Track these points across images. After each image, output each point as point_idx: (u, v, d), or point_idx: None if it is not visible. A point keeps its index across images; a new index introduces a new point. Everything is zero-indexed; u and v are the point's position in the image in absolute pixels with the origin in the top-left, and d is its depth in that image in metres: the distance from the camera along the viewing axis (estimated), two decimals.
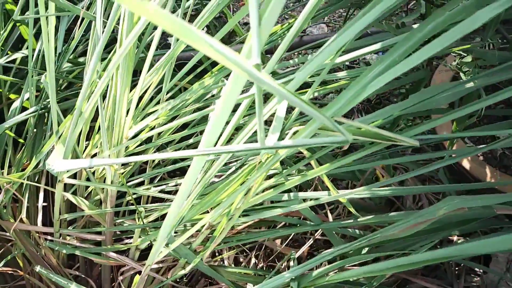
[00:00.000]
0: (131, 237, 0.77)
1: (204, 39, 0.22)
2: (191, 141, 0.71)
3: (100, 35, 0.61)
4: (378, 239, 0.50)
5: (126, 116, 0.55)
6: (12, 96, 0.85)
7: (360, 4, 0.79)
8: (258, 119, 0.35)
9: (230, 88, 0.37)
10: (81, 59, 0.88)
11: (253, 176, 0.46)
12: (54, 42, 0.84)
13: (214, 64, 0.84)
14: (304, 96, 0.46)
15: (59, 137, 0.61)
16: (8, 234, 0.71)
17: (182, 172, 0.98)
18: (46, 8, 0.53)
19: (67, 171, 0.60)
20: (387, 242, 0.63)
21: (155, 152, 0.75)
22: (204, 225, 0.57)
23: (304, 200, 0.58)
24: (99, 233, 0.71)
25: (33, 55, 0.86)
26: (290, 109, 0.94)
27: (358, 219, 0.58)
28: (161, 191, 0.77)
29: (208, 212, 0.56)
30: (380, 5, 0.34)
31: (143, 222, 0.62)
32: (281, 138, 0.47)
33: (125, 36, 0.46)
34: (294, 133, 0.43)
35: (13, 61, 0.87)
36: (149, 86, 0.61)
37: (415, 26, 0.66)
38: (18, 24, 0.83)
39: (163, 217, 0.68)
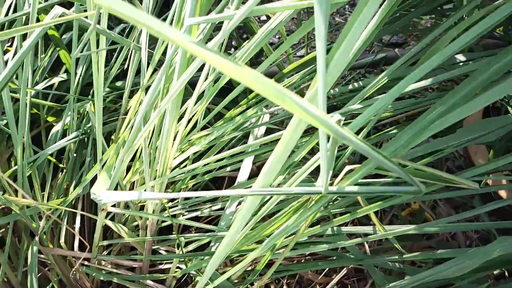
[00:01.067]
0: (166, 263, 0.76)
1: (300, 104, 0.22)
2: (228, 169, 0.71)
3: (145, 65, 0.62)
4: (429, 279, 0.49)
5: (172, 146, 0.56)
6: (50, 118, 0.87)
7: (406, 30, 0.79)
8: (323, 164, 0.35)
9: (291, 133, 0.36)
10: (118, 83, 0.90)
11: (304, 214, 0.45)
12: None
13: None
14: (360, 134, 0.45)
15: (103, 166, 0.61)
16: (44, 257, 0.72)
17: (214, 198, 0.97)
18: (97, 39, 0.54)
19: None
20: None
21: (191, 179, 0.75)
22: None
23: (347, 233, 0.57)
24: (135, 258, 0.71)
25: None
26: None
27: (404, 255, 0.56)
28: (195, 218, 0.77)
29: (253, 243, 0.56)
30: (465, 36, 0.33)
31: (183, 252, 0.62)
32: (332, 176, 0.47)
33: (177, 76, 0.46)
34: (347, 172, 0.43)
35: (51, 84, 0.89)
36: (193, 115, 0.61)
37: (458, 56, 0.65)
38: (58, 49, 0.85)
39: (199, 248, 0.68)
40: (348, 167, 0.43)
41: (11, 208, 0.72)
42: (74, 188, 0.74)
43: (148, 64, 0.65)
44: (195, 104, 0.61)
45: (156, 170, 0.64)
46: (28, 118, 0.62)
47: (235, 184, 0.66)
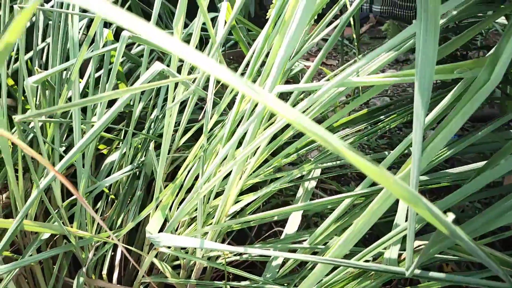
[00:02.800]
0: None
1: (424, 203, 0.23)
2: (275, 218, 0.71)
3: (209, 113, 0.64)
4: None
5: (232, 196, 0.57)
6: (101, 146, 0.89)
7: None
8: (409, 247, 0.35)
9: (375, 209, 0.37)
10: None
11: (365, 283, 0.45)
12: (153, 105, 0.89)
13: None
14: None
15: (157, 205, 0.63)
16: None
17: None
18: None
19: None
20: None
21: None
22: None
23: None
24: None
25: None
26: None
27: None
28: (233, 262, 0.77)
29: None
30: None
31: None
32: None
33: (250, 137, 0.48)
34: (417, 247, 0.43)
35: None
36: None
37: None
38: (118, 82, 0.88)
39: None
40: (417, 243, 0.43)
41: (56, 237, 0.74)
42: (122, 221, 0.75)
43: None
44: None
45: (208, 215, 0.65)
46: (94, 150, 0.64)
47: (283, 237, 0.67)
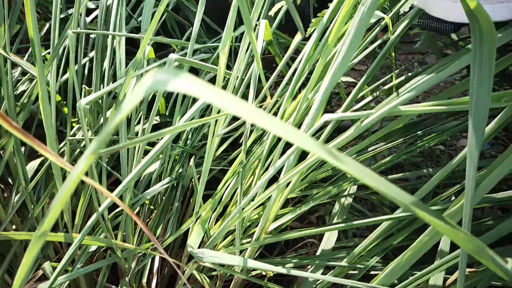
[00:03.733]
0: None
1: (490, 255, 0.24)
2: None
3: (248, 131, 0.65)
4: None
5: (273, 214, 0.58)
6: None
7: None
8: (460, 282, 0.36)
9: (426, 240, 0.38)
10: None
11: None
12: None
13: None
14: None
15: (197, 219, 0.65)
16: None
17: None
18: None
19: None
20: None
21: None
22: None
23: None
24: None
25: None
26: None
27: None
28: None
29: None
30: None
31: None
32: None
33: (293, 162, 0.49)
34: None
35: None
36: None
37: None
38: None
39: None
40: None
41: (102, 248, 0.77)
42: (159, 231, 0.78)
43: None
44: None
45: (245, 229, 0.66)
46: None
47: (319, 253, 0.67)
